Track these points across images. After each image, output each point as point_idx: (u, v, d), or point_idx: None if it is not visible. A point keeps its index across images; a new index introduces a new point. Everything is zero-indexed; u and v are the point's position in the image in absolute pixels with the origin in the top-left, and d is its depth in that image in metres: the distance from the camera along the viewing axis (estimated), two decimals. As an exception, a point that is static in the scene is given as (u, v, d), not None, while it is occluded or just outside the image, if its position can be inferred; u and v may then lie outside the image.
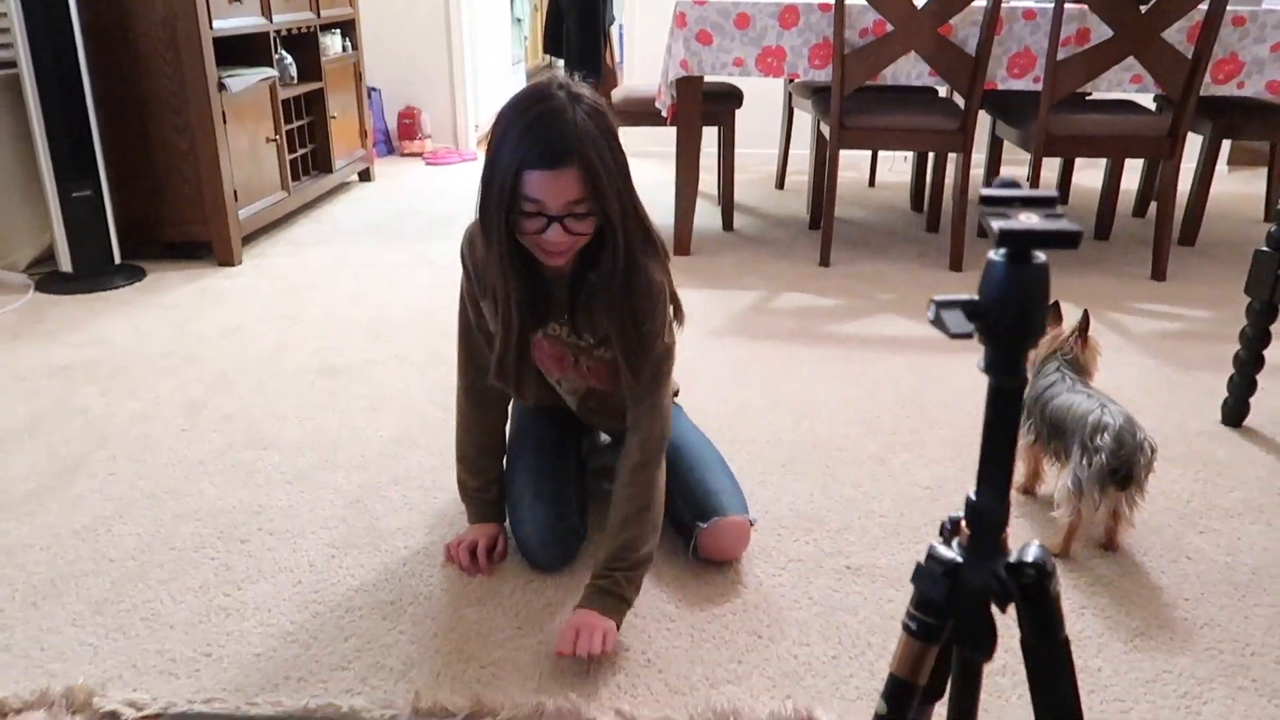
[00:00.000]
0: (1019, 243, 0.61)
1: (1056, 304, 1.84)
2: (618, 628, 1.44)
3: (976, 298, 0.64)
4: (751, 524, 1.65)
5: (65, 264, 2.99)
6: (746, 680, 1.39)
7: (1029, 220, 0.61)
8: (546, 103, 1.32)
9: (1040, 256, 0.63)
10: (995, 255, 0.64)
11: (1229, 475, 1.94)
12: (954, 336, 0.62)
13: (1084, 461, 1.59)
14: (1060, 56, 2.90)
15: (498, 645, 1.45)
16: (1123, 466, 1.57)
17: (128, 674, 1.38)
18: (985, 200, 0.64)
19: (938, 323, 0.63)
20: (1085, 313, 1.80)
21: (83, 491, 1.85)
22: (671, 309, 1.53)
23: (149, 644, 1.44)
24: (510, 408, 1.80)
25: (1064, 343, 1.79)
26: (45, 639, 1.45)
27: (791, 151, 4.44)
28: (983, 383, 2.35)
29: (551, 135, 1.30)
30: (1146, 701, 1.35)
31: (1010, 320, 0.63)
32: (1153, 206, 3.88)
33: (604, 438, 1.96)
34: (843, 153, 3.19)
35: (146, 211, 3.21)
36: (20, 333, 2.64)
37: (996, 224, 0.61)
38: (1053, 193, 0.64)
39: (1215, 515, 1.80)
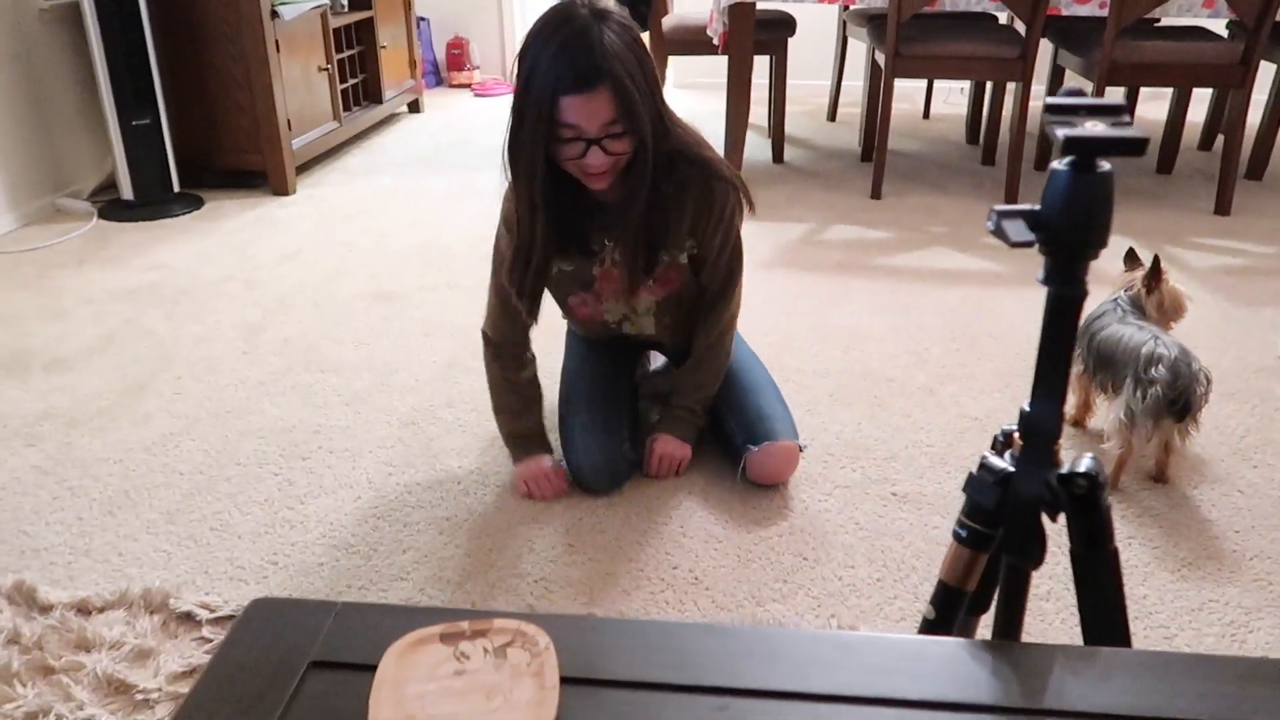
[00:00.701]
0: (1084, 149, 0.61)
1: (1132, 250, 1.82)
2: (692, 449, 1.70)
3: (1038, 207, 0.64)
4: (801, 449, 1.67)
5: (126, 192, 3.05)
6: (792, 599, 1.42)
7: (1094, 128, 0.61)
8: (571, 24, 1.32)
9: (1105, 165, 0.62)
10: (1059, 164, 0.63)
11: (1287, 411, 1.92)
12: (1014, 245, 0.62)
13: (1137, 393, 1.57)
14: (1129, -20, 2.79)
15: (550, 561, 1.50)
16: (1180, 398, 1.55)
17: (200, 579, 1.45)
18: (1050, 109, 0.64)
19: (998, 232, 0.63)
20: (1155, 258, 1.75)
21: (151, 409, 1.92)
22: (742, 197, 1.57)
23: (219, 552, 1.51)
24: (565, 335, 1.83)
25: (1130, 282, 1.76)
26: (122, 545, 1.53)
27: (844, 83, 4.34)
28: (1034, 315, 2.32)
29: (580, 58, 1.30)
30: (1191, 629, 1.36)
31: (1072, 230, 0.63)
32: (1218, 140, 3.76)
33: (656, 362, 1.98)
34: (897, 84, 3.12)
35: (203, 141, 3.26)
36: (86, 258, 2.72)
37: (1061, 131, 0.60)
38: (1119, 101, 0.63)
39: (1271, 450, 1.78)
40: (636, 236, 1.52)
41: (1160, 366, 1.56)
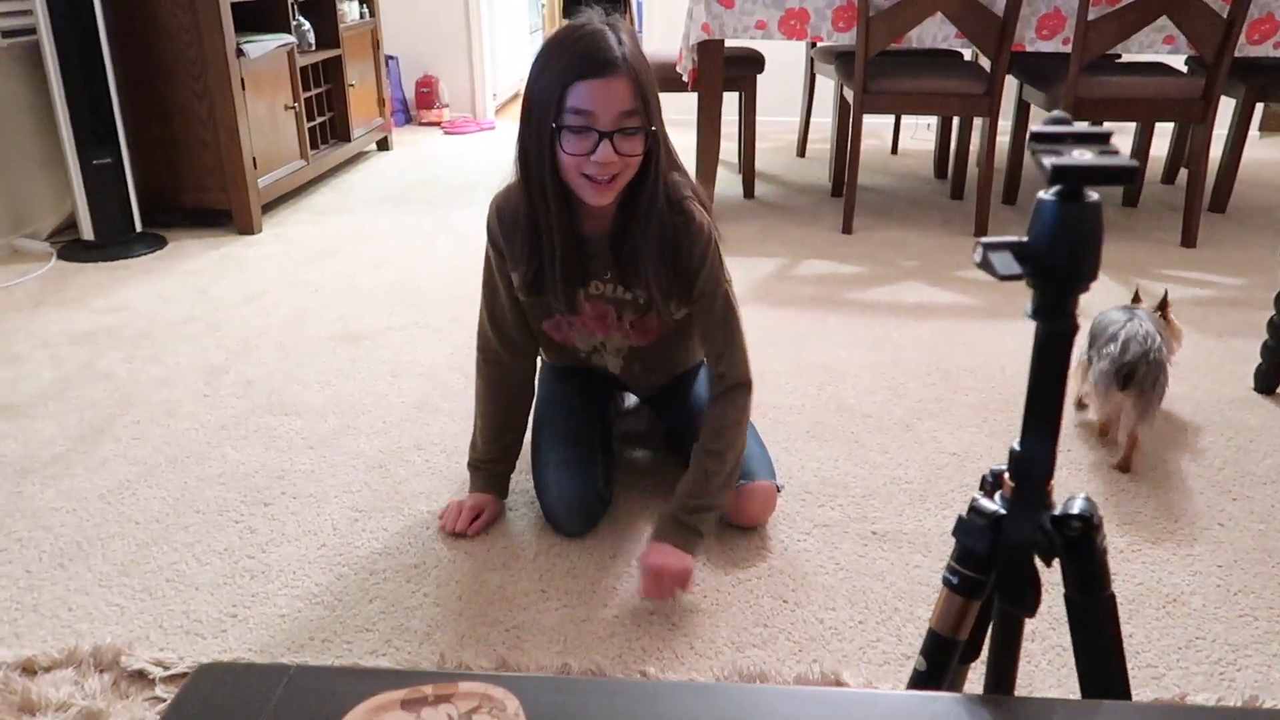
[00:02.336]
0: (1072, 179, 0.58)
1: (1137, 291, 1.98)
2: (693, 561, 1.45)
3: (1025, 239, 0.61)
4: (778, 490, 1.63)
5: (87, 232, 2.99)
6: (772, 644, 1.38)
7: (1082, 156, 0.59)
8: (586, 27, 1.30)
9: (1093, 195, 0.60)
10: (1046, 194, 0.61)
11: (1262, 442, 1.91)
12: (1003, 279, 0.59)
13: (1098, 363, 1.76)
14: (1091, 16, 2.84)
15: (522, 609, 1.44)
16: (1124, 369, 1.69)
17: (154, 634, 1.39)
18: (1036, 137, 0.61)
19: (985, 265, 0.60)
20: (1165, 292, 1.96)
21: (108, 455, 1.85)
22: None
23: (175, 605, 1.45)
24: (538, 372, 1.79)
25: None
26: (73, 599, 1.46)
27: (813, 120, 4.37)
28: (1009, 348, 2.31)
29: (598, 48, 1.27)
30: (1180, 668, 1.33)
31: (1060, 262, 0.61)
32: (1182, 173, 3.81)
33: (630, 401, 1.94)
34: (865, 120, 3.14)
35: (166, 179, 3.21)
36: (44, 300, 2.65)
37: (1048, 160, 0.58)
38: (1106, 129, 0.61)
39: (1248, 482, 1.77)
40: (654, 257, 1.42)
41: (1115, 342, 1.71)
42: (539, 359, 1.80)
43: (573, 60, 1.27)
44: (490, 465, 1.66)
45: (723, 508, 1.52)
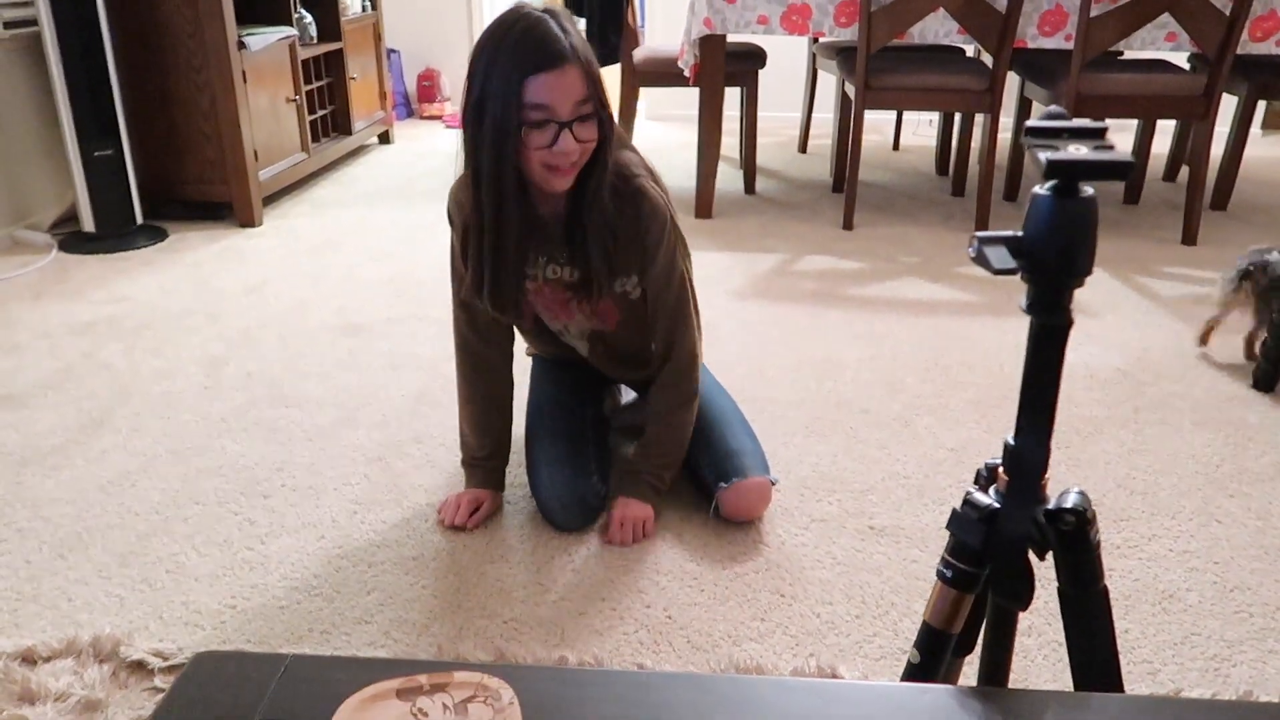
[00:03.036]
0: (1067, 174, 0.58)
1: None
2: (656, 514, 1.61)
3: (1020, 234, 0.62)
4: (773, 484, 1.64)
5: (88, 224, 2.99)
6: (769, 638, 1.38)
7: (1077, 151, 0.59)
8: (526, 19, 1.30)
9: (1088, 190, 0.60)
10: (1041, 189, 0.61)
11: (1260, 440, 1.91)
12: (997, 273, 0.60)
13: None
14: (1094, 13, 2.83)
15: (519, 601, 1.45)
16: (1255, 270, 2.08)
17: (154, 625, 1.39)
18: (1031, 132, 0.62)
19: (980, 259, 0.61)
20: None
21: (107, 447, 1.86)
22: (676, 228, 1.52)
23: (174, 595, 1.45)
24: (529, 371, 1.79)
25: None
26: (72, 590, 1.46)
27: (814, 116, 4.37)
28: (1007, 345, 2.31)
29: (547, 40, 1.28)
30: (1175, 664, 1.33)
31: (1055, 257, 0.61)
32: (1183, 171, 3.81)
33: (626, 395, 1.95)
34: (867, 116, 3.14)
35: (167, 171, 3.21)
36: (44, 291, 2.65)
37: (1044, 155, 0.58)
38: (1102, 124, 0.61)
39: (1246, 479, 1.78)
40: (601, 238, 1.45)
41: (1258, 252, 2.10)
42: (530, 357, 1.81)
43: (524, 55, 1.28)
44: (484, 461, 1.66)
45: (679, 463, 1.64)
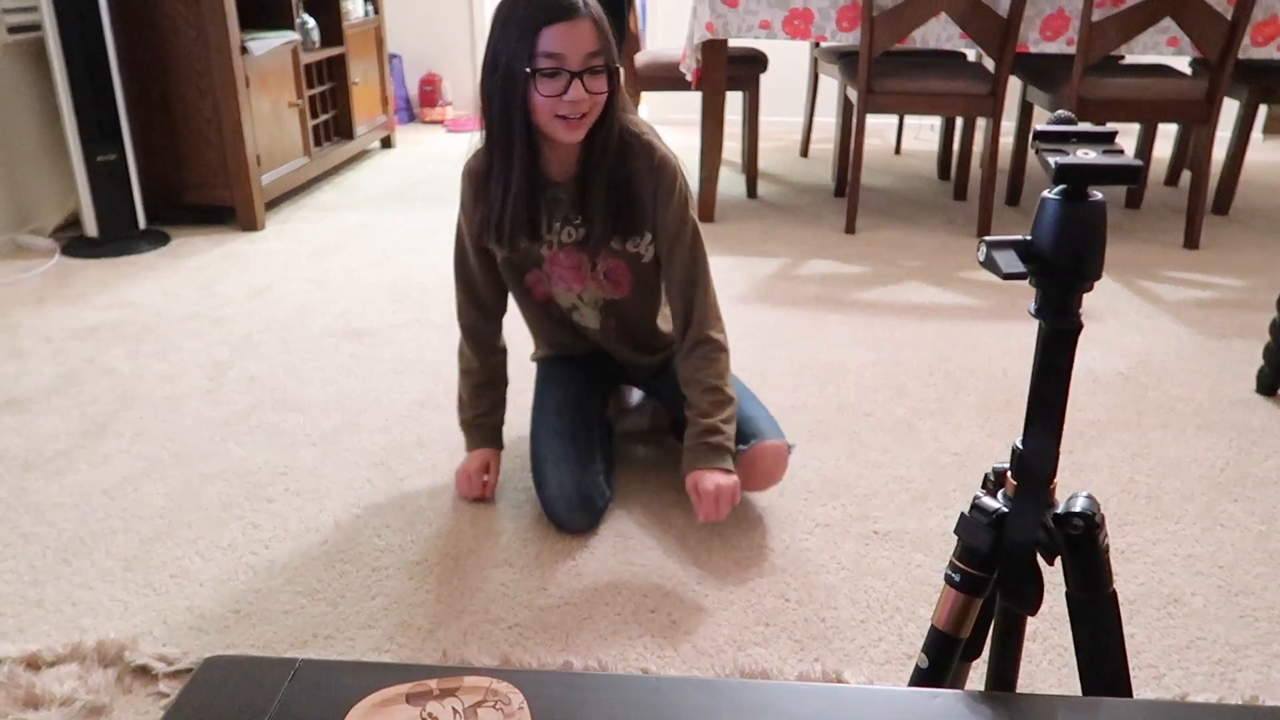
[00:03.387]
0: (1077, 178, 0.58)
1: None
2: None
3: (1029, 237, 0.62)
4: (790, 449, 1.63)
5: (91, 228, 2.99)
6: (775, 643, 1.38)
7: (1086, 155, 0.59)
8: None
9: (1097, 195, 0.60)
10: (1050, 194, 0.61)
11: (1264, 443, 1.91)
12: (1006, 277, 0.60)
13: None
14: (1095, 18, 2.84)
15: (524, 606, 1.45)
16: None
17: (158, 629, 1.39)
18: (1040, 135, 0.62)
19: (988, 263, 0.61)
20: None
21: (111, 451, 1.86)
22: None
23: (178, 600, 1.45)
24: (535, 373, 1.80)
25: None
26: (77, 594, 1.46)
27: (816, 120, 4.38)
28: (1010, 350, 2.31)
29: None
30: (1180, 668, 1.33)
31: (1064, 261, 0.61)
32: (1185, 176, 3.81)
33: (634, 398, 1.94)
34: (868, 121, 3.14)
35: (170, 176, 3.21)
36: (47, 296, 2.65)
37: (1053, 159, 0.58)
38: (1111, 128, 0.62)
39: (1250, 483, 1.77)
40: (608, 190, 1.49)
41: None
42: (536, 362, 1.82)
43: (539, 8, 1.34)
44: (484, 418, 1.71)
45: (734, 410, 1.58)
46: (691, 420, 1.56)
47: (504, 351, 1.73)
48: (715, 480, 1.50)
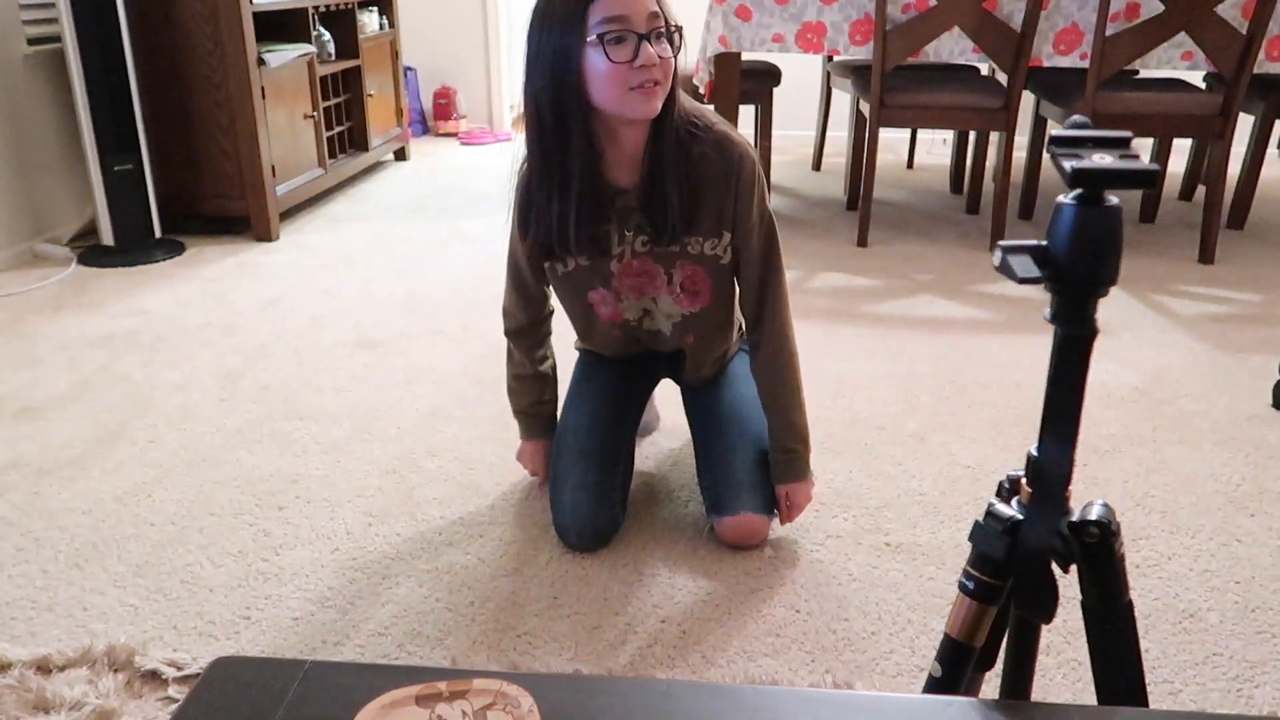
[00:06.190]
0: (1093, 182, 0.58)
1: None
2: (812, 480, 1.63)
3: (1044, 243, 0.61)
4: (771, 518, 1.62)
5: (107, 237, 3.02)
6: (785, 654, 1.37)
7: (1102, 160, 0.59)
8: None
9: (1113, 199, 0.60)
10: (1065, 199, 0.61)
11: (1281, 459, 1.90)
12: (1021, 281, 0.59)
13: None
14: (1109, 32, 2.83)
15: (534, 615, 1.44)
16: None
17: (168, 634, 1.39)
18: (1056, 141, 0.61)
19: (1004, 268, 0.60)
20: None
21: (124, 458, 1.87)
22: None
23: (189, 606, 1.45)
24: (575, 365, 1.77)
25: None
26: (88, 599, 1.47)
27: (829, 134, 4.38)
28: (1023, 363, 2.30)
29: None
30: (1196, 684, 1.31)
31: (1080, 266, 0.61)
32: (1199, 190, 3.79)
33: (658, 422, 1.94)
34: (881, 135, 3.14)
35: (186, 186, 3.24)
36: (63, 304, 2.67)
37: (1069, 164, 0.58)
38: (1126, 134, 0.61)
39: (1266, 499, 1.76)
40: (680, 198, 1.40)
41: None
42: (579, 351, 1.79)
43: None
44: (540, 407, 1.72)
45: (805, 417, 1.62)
46: (771, 432, 1.61)
47: (549, 359, 1.71)
48: (800, 495, 1.62)
